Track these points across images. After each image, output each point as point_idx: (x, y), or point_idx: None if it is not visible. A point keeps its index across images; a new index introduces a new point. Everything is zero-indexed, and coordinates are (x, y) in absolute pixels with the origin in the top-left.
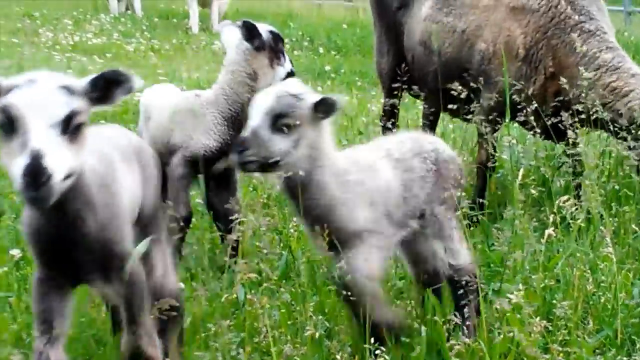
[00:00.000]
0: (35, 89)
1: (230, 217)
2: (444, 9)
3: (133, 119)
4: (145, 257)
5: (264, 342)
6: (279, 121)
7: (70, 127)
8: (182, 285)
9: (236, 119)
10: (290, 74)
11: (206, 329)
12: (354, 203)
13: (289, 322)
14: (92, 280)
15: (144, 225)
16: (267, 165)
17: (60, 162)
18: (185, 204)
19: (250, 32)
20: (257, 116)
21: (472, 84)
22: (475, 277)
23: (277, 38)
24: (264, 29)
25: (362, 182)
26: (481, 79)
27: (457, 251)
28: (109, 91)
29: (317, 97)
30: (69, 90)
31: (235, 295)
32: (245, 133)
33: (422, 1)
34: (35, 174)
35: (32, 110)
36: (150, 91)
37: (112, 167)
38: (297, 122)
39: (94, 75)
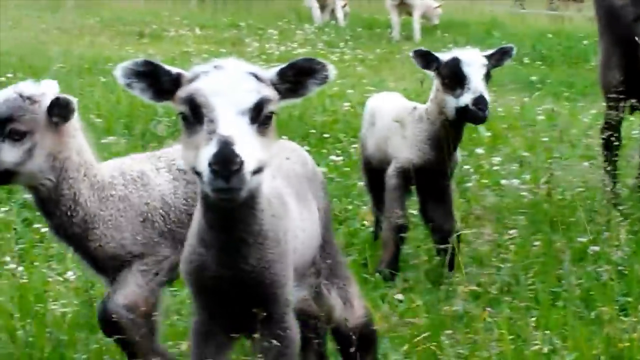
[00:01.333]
0: (223, 74)
1: (445, 228)
2: None
3: (343, 129)
4: (320, 299)
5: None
6: (6, 127)
7: (261, 117)
8: (366, 309)
9: (437, 139)
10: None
11: (426, 341)
12: (116, 221)
13: (510, 338)
14: (250, 329)
15: (316, 266)
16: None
17: (251, 151)
18: (399, 214)
19: (424, 58)
20: None
21: None
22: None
23: (454, 63)
24: (447, 55)
25: (128, 198)
26: None
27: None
28: (300, 82)
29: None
30: (258, 77)
31: (454, 308)
32: None
33: None
34: (226, 161)
35: (220, 96)
36: (377, 97)
37: (283, 199)
38: (29, 129)
39: (283, 65)
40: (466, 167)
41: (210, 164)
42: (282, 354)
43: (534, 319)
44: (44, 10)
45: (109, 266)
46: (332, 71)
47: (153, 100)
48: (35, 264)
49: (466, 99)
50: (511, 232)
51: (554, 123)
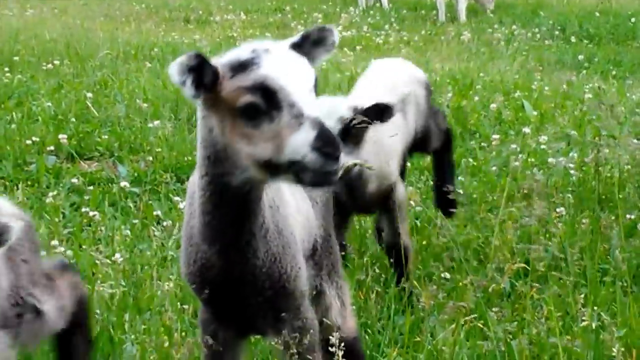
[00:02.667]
0: (279, 56)
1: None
2: None
3: None
4: (319, 296)
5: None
6: None
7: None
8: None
9: None
10: None
11: (474, 320)
12: None
13: (558, 314)
14: (262, 328)
15: (316, 259)
16: None
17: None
18: None
19: None
20: None
21: None
22: None
23: None
24: None
25: None
26: None
27: None
28: (309, 53)
29: None
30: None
31: (502, 286)
32: None
33: None
34: (334, 142)
35: (292, 78)
36: None
37: (278, 189)
38: None
39: (295, 38)
40: (513, 146)
41: (317, 148)
42: (304, 345)
43: (582, 295)
44: None
45: None
46: (337, 35)
47: (193, 97)
48: (84, 247)
49: None
50: (559, 210)
51: (601, 101)
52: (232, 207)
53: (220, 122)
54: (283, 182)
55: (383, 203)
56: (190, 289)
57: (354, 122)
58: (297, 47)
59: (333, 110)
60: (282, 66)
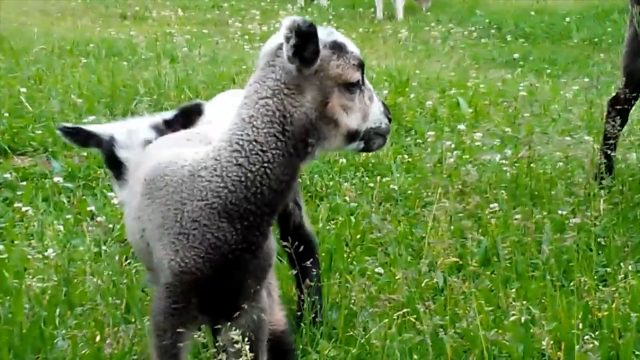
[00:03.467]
0: (341, 37)
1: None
2: None
3: None
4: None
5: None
6: None
7: None
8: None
9: None
10: None
11: (406, 314)
12: None
13: (489, 309)
14: (230, 314)
15: None
16: None
17: None
18: None
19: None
20: None
21: None
22: None
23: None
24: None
25: None
26: None
27: None
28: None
29: None
30: None
31: (435, 280)
32: None
33: None
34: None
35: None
36: None
37: None
38: None
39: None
40: (448, 142)
41: (386, 115)
42: (259, 335)
43: (513, 290)
44: None
45: None
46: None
47: (290, 60)
48: (16, 242)
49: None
50: (492, 205)
51: (535, 98)
52: (278, 186)
53: (317, 96)
54: (349, 150)
55: None
56: (178, 278)
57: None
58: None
59: (134, 133)
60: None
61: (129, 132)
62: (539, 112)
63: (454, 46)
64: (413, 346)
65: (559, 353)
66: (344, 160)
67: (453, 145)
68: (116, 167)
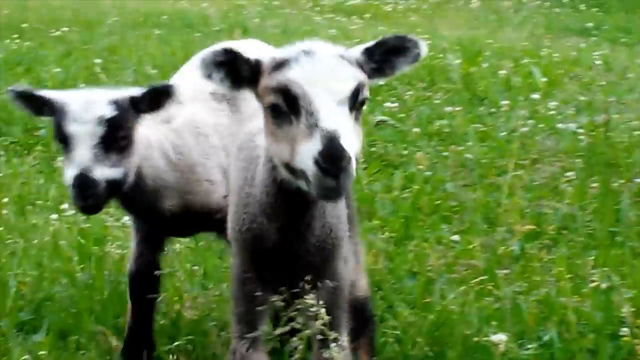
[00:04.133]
0: (316, 61)
1: None
2: None
3: (397, 77)
4: None
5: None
6: None
7: (357, 104)
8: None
9: None
10: None
11: (484, 281)
12: None
13: (568, 276)
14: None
15: None
16: None
17: (353, 143)
18: None
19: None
20: None
21: None
22: None
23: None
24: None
25: None
26: None
27: None
28: (387, 61)
29: None
30: (349, 60)
31: (512, 248)
32: None
33: None
34: (336, 159)
35: (318, 86)
36: None
37: None
38: None
39: (370, 43)
40: (522, 112)
41: (317, 162)
42: (337, 304)
43: (592, 257)
44: None
45: None
46: (423, 48)
47: (232, 89)
48: None
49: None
50: (568, 174)
51: (610, 67)
52: (294, 203)
53: (263, 115)
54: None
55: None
56: (236, 250)
57: None
58: (368, 52)
59: (91, 106)
60: (313, 73)
61: (85, 104)
62: (614, 80)
63: (526, 16)
64: (491, 313)
65: (638, 320)
66: (418, 130)
67: (527, 114)
68: (64, 141)
